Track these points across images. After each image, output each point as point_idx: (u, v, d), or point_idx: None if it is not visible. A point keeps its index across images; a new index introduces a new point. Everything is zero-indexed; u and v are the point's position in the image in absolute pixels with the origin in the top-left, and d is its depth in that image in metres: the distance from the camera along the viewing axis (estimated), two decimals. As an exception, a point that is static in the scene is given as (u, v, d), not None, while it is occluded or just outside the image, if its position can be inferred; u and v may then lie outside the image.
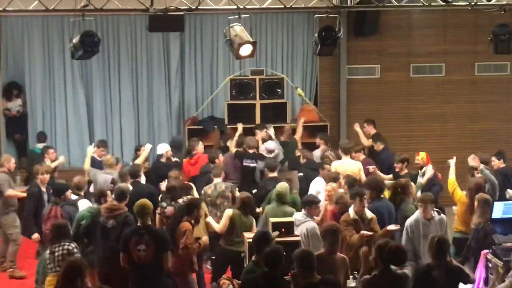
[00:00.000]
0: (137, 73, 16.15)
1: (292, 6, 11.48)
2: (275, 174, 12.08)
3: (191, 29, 15.99)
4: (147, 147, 13.47)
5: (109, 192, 10.45)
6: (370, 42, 16.40)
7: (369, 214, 9.86)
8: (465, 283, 8.11)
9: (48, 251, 8.98)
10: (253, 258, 8.31)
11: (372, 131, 14.84)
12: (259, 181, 12.72)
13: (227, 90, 15.50)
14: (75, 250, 8.81)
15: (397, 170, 12.39)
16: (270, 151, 13.34)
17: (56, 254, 8.77)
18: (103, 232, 9.67)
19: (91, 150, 13.39)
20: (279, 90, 15.48)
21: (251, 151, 13.29)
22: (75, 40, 10.54)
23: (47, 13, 10.90)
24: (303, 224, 9.77)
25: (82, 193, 11.30)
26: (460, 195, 10.90)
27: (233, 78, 15.50)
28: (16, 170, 13.55)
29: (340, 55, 16.13)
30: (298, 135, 14.72)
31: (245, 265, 9.32)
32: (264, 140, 13.93)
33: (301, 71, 16.47)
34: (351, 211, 9.73)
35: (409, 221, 9.78)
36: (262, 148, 13.54)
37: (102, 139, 14.76)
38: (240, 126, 14.50)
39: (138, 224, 9.06)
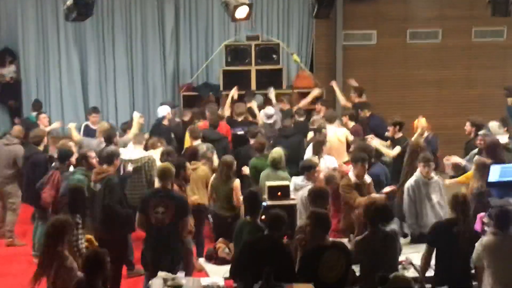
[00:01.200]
0: (131, 39, 16.02)
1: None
2: None
3: (186, -5, 15.91)
4: (135, 116, 13.23)
5: (92, 154, 10.29)
6: (367, 7, 16.32)
7: (367, 178, 9.87)
8: None
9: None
10: (247, 218, 8.29)
11: (356, 99, 14.48)
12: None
13: (222, 56, 15.39)
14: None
15: (389, 133, 12.21)
16: (269, 116, 13.23)
17: None
18: (93, 197, 9.54)
19: (73, 125, 13.24)
20: (274, 56, 15.37)
21: (239, 118, 13.22)
22: (69, 1, 10.43)
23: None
24: (304, 188, 9.71)
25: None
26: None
27: (228, 44, 15.37)
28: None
29: (336, 20, 16.06)
30: (303, 102, 14.47)
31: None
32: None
33: (296, 37, 16.37)
34: (352, 176, 9.69)
35: (409, 182, 9.72)
36: (262, 115, 13.44)
37: (94, 106, 14.66)
38: (234, 91, 14.25)
39: (158, 187, 8.95)
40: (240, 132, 12.98)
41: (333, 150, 11.83)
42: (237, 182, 10.32)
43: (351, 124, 13.01)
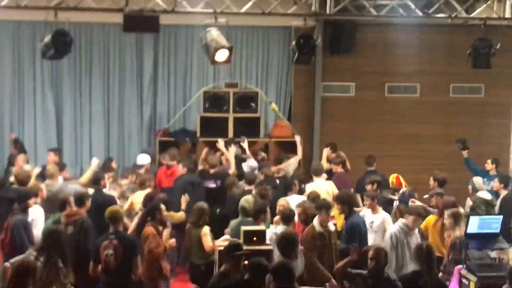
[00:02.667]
0: (108, 84, 15.88)
1: (271, 12, 11.27)
2: (252, 187, 11.88)
3: (165, 40, 15.80)
4: (94, 162, 13.13)
5: (71, 198, 10.12)
6: (346, 60, 16.33)
7: (331, 226, 9.80)
8: None
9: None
10: (221, 268, 8.04)
11: (332, 155, 14.42)
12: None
13: (200, 102, 15.30)
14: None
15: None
16: (254, 169, 13.15)
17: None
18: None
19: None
20: (253, 104, 15.31)
21: (212, 170, 13.04)
22: (47, 39, 10.31)
23: (18, 10, 10.60)
24: None
25: (37, 200, 10.85)
26: (429, 219, 10.69)
27: (207, 90, 15.29)
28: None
29: (315, 72, 16.09)
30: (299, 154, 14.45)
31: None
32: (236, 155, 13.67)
33: (275, 86, 16.31)
34: (316, 223, 9.58)
35: (394, 230, 9.73)
36: (245, 167, 13.28)
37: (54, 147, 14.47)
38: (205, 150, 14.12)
39: (110, 230, 8.86)
40: (213, 185, 12.76)
41: None
42: (205, 229, 10.06)
43: (340, 169, 13.14)
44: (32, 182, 11.98)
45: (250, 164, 13.29)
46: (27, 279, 6.98)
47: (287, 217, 9.89)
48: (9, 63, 15.52)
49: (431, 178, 12.34)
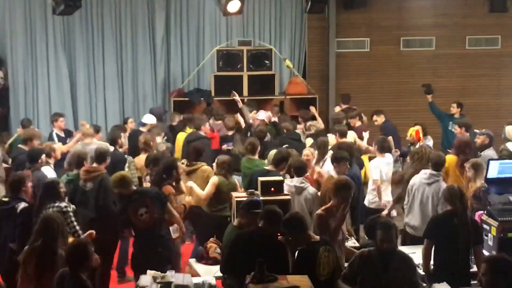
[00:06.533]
0: (121, 45, 15.83)
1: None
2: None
3: (176, 0, 15.71)
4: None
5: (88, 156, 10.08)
6: (360, 15, 16.15)
7: None
8: (477, 242, 7.73)
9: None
10: (234, 222, 7.96)
11: (343, 106, 14.58)
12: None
13: (214, 61, 15.19)
14: (68, 208, 8.31)
15: None
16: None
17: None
18: (82, 196, 9.29)
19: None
20: (267, 62, 15.16)
21: (229, 133, 12.83)
22: (56, -6, 10.22)
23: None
24: (305, 190, 9.40)
25: (50, 160, 10.59)
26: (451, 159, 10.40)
27: (220, 49, 15.17)
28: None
29: (329, 28, 15.93)
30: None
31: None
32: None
33: (289, 44, 16.19)
34: (335, 175, 9.44)
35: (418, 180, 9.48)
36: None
37: (56, 112, 13.90)
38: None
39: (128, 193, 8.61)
40: (231, 147, 12.43)
41: None
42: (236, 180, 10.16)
43: (358, 123, 13.00)
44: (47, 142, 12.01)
45: (257, 116, 12.97)
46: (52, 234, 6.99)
47: (299, 168, 9.77)
48: (21, 27, 15.45)
49: (454, 105, 13.74)
